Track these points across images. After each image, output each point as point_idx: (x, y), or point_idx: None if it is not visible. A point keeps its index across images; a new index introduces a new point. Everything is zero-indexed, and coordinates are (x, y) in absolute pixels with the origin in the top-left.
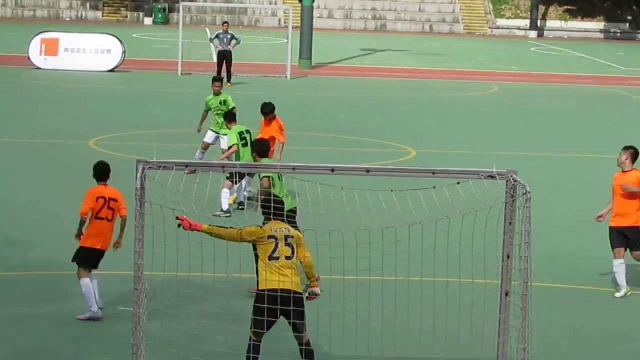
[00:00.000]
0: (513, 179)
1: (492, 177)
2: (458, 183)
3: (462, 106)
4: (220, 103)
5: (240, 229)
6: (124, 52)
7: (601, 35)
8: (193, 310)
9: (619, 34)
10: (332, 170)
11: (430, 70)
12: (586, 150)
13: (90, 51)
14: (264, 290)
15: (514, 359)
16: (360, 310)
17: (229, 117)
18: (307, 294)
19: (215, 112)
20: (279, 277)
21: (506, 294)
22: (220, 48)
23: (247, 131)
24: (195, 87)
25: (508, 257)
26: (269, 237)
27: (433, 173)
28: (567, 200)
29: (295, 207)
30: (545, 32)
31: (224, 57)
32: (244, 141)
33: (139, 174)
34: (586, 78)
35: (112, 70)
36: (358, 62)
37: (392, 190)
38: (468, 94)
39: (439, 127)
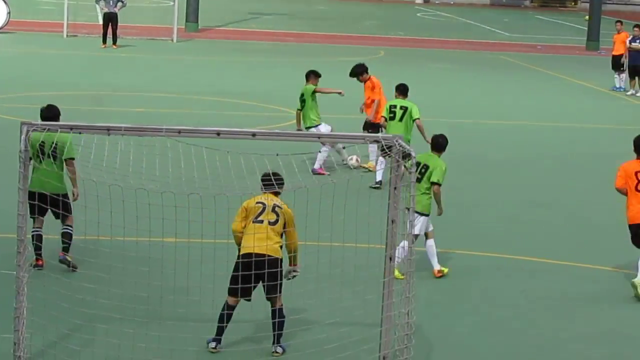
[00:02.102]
0: (398, 144)
1: (377, 141)
2: (344, 147)
3: (348, 71)
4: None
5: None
6: (9, 13)
7: (487, 2)
8: (76, 274)
9: (504, 1)
10: (218, 134)
11: (317, 35)
12: (471, 116)
13: None
14: (241, 256)
15: (397, 322)
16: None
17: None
18: (288, 274)
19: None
20: (257, 242)
21: (390, 259)
22: (106, 10)
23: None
24: (81, 49)
25: (393, 222)
26: (258, 202)
27: (319, 137)
28: (452, 165)
29: (59, 194)
30: None
31: (110, 19)
32: (392, 115)
33: (23, 136)
34: (472, 44)
35: None
36: (245, 26)
37: (278, 155)
38: (354, 58)
39: None
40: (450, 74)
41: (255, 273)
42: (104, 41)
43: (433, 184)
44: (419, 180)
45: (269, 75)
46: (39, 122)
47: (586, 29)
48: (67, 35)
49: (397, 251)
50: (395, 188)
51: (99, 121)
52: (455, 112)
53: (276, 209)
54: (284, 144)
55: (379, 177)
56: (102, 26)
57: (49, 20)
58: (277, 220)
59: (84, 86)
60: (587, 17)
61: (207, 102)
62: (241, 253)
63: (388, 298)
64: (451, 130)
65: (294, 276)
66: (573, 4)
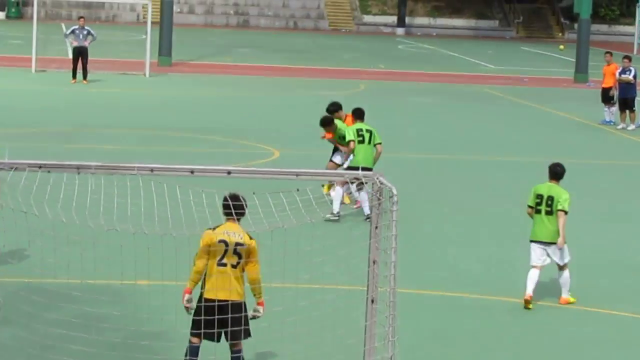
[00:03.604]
0: (379, 181)
1: (357, 179)
2: (323, 186)
3: (327, 106)
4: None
5: (197, 254)
6: None
7: (471, 33)
8: (46, 319)
9: (488, 32)
10: (192, 172)
11: (294, 68)
12: (456, 151)
13: None
14: (204, 299)
15: None
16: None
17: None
18: (252, 312)
19: None
20: (220, 286)
21: (372, 301)
22: (75, 44)
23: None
24: (50, 84)
25: (374, 262)
26: (220, 241)
27: (297, 175)
28: (435, 202)
29: None
30: (413, 29)
31: (80, 53)
32: (360, 138)
33: None
34: (456, 77)
35: None
36: (220, 60)
37: (254, 193)
38: (334, 92)
39: (303, 128)
40: (432, 107)
41: (218, 318)
42: (74, 76)
43: (560, 211)
44: (549, 212)
45: (244, 111)
46: (6, 160)
47: (574, 60)
48: (35, 70)
49: (561, 279)
50: (376, 227)
51: (69, 159)
52: (438, 146)
53: (238, 248)
54: (260, 182)
55: (367, 211)
56: (71, 60)
57: (17, 55)
58: (238, 262)
59: (53, 123)
60: (562, 46)
61: (180, 139)
62: (205, 296)
63: (370, 342)
64: (433, 166)
65: (254, 317)
66: (560, 35)
